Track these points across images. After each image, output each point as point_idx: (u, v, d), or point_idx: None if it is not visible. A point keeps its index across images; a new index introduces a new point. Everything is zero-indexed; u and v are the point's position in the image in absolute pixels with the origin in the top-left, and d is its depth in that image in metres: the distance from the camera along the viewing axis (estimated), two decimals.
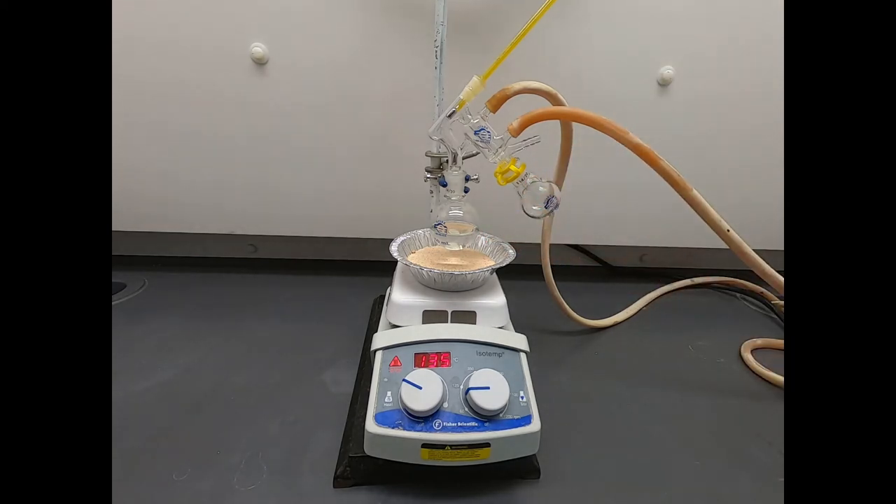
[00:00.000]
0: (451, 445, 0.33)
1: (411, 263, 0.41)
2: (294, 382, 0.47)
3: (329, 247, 0.78)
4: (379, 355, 0.38)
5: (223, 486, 0.35)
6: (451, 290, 0.42)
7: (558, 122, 0.46)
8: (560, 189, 0.44)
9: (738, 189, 0.65)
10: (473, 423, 0.33)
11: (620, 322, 0.63)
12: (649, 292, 0.70)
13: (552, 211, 0.39)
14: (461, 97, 0.39)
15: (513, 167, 0.39)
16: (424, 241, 0.49)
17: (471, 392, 0.34)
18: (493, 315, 0.41)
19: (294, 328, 0.58)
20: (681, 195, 0.40)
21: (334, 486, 0.36)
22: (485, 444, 0.33)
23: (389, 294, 0.44)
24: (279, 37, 0.55)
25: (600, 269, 0.81)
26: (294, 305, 0.64)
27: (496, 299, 0.42)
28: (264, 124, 0.60)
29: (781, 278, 0.42)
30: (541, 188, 0.39)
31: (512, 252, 0.45)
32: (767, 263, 0.42)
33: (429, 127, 0.42)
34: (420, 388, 0.34)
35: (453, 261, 0.44)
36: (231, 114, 0.59)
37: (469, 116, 0.39)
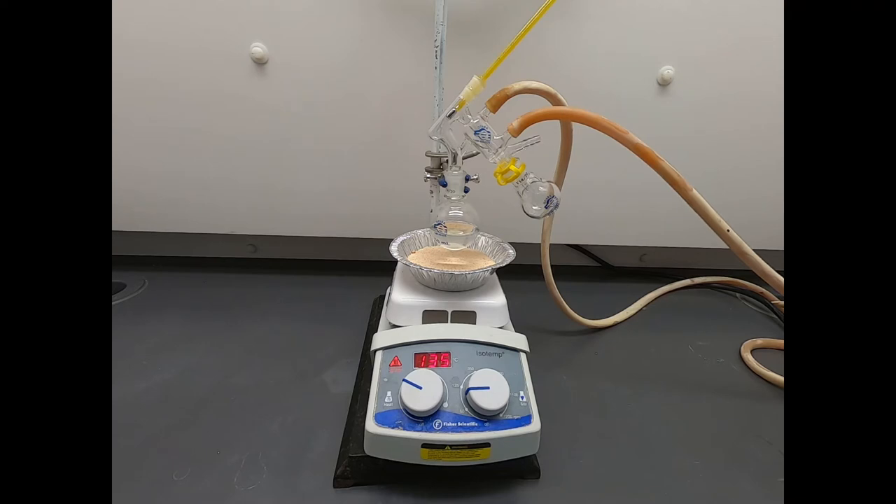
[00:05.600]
0: (451, 445, 0.33)
1: (411, 263, 0.41)
2: (294, 382, 0.47)
3: (329, 247, 0.78)
4: (379, 355, 0.38)
5: (223, 486, 0.35)
6: (451, 290, 0.42)
7: (558, 122, 0.46)
8: (560, 189, 0.44)
9: (738, 189, 0.65)
10: (473, 423, 0.33)
11: (620, 322, 0.63)
12: (649, 292, 0.70)
13: (552, 211, 0.39)
14: (461, 97, 0.39)
15: (513, 167, 0.39)
16: (424, 241, 0.49)
17: (471, 392, 0.34)
18: (493, 315, 0.41)
19: (294, 328, 0.58)
20: (681, 195, 0.40)
21: (334, 486, 0.36)
22: (485, 444, 0.33)
23: (389, 294, 0.44)
24: (279, 37, 0.55)
25: (600, 269, 0.81)
26: (294, 305, 0.64)
27: (496, 299, 0.42)
28: (264, 124, 0.60)
29: (781, 278, 0.42)
30: (541, 188, 0.39)
31: (512, 252, 0.45)
32: (767, 263, 0.42)
33: (429, 127, 0.42)
34: (420, 388, 0.34)
35: (453, 261, 0.44)
36: (231, 114, 0.59)
37: (469, 116, 0.39)
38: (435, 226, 0.42)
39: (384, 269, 0.61)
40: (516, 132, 0.39)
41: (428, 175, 0.48)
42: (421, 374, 0.35)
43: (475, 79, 0.39)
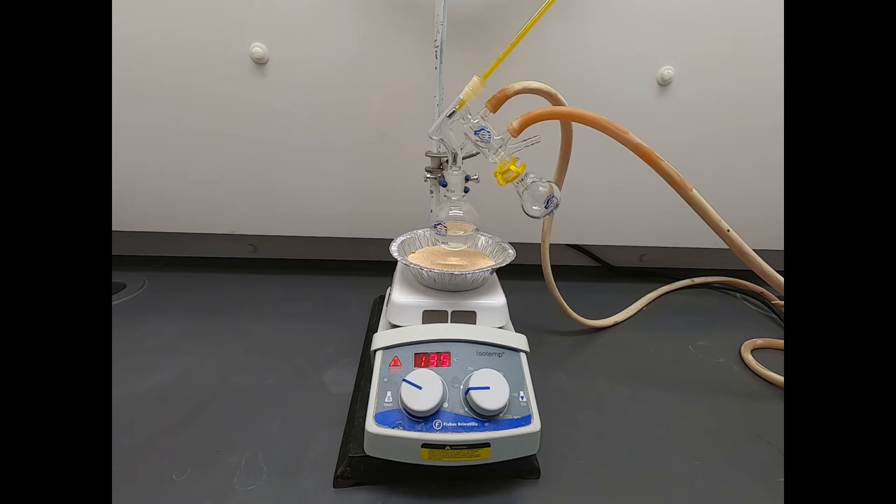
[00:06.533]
0: (451, 445, 0.33)
1: (411, 263, 0.41)
2: (294, 382, 0.47)
3: (329, 247, 0.78)
4: (379, 355, 0.38)
5: (223, 486, 0.35)
6: (451, 290, 0.42)
7: (558, 122, 0.46)
8: (560, 189, 0.44)
9: (738, 189, 0.65)
10: (473, 423, 0.33)
11: (620, 322, 0.63)
12: (649, 292, 0.70)
13: (552, 211, 0.39)
14: (461, 97, 0.39)
15: (513, 167, 0.39)
16: (424, 241, 0.49)
17: (471, 392, 0.34)
18: (493, 315, 0.41)
19: (294, 328, 0.58)
20: (681, 195, 0.40)
21: (334, 486, 0.36)
22: (485, 444, 0.33)
23: (389, 294, 0.44)
24: (279, 37, 0.55)
25: (600, 269, 0.81)
26: (294, 305, 0.64)
27: (496, 299, 0.42)
28: (264, 124, 0.60)
29: (781, 278, 0.42)
30: (541, 188, 0.39)
31: (512, 252, 0.45)
32: (767, 263, 0.42)
33: (429, 127, 0.42)
34: (420, 388, 0.34)
35: (453, 261, 0.44)
36: (231, 114, 0.59)
37: (469, 116, 0.39)
38: (435, 226, 0.42)
39: (384, 269, 0.61)
40: (516, 132, 0.39)
41: (428, 175, 0.48)
42: (421, 374, 0.35)
43: (475, 79, 0.39)
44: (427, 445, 0.33)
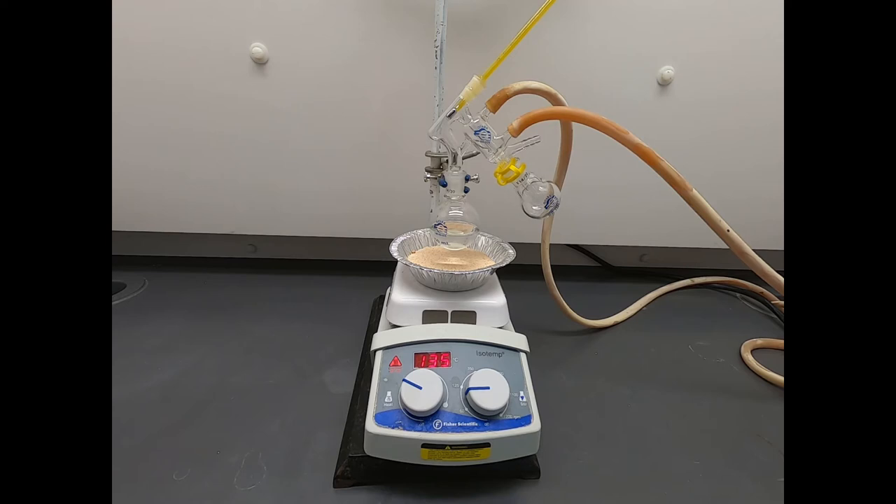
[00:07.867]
0: (451, 445, 0.33)
1: (411, 263, 0.41)
2: (294, 382, 0.47)
3: (329, 247, 0.78)
4: (379, 355, 0.38)
5: (223, 486, 0.35)
6: (451, 290, 0.42)
7: (558, 122, 0.46)
8: (560, 189, 0.44)
9: (738, 189, 0.65)
10: (473, 423, 0.33)
11: (620, 322, 0.63)
12: (649, 292, 0.70)
13: (552, 211, 0.39)
14: (461, 97, 0.39)
15: (513, 167, 0.39)
16: (424, 241, 0.49)
17: (471, 392, 0.34)
18: (493, 315, 0.41)
19: (294, 328, 0.58)
20: (681, 195, 0.40)
21: (334, 486, 0.36)
22: (485, 444, 0.33)
23: (389, 294, 0.44)
24: (279, 37, 0.55)
25: (600, 269, 0.81)
26: (294, 305, 0.64)
27: (496, 299, 0.42)
28: (264, 124, 0.60)
29: (781, 278, 0.42)
30: (541, 188, 0.39)
31: (512, 252, 0.45)
32: (767, 263, 0.42)
33: (429, 127, 0.42)
34: (420, 388, 0.34)
35: (453, 261, 0.44)
36: (231, 114, 0.59)
37: (469, 116, 0.39)
38: (435, 226, 0.42)
39: (384, 269, 0.61)
40: (516, 132, 0.39)
41: (428, 175, 0.48)
42: (421, 374, 0.35)
43: (475, 79, 0.39)
44: (427, 445, 0.33)
